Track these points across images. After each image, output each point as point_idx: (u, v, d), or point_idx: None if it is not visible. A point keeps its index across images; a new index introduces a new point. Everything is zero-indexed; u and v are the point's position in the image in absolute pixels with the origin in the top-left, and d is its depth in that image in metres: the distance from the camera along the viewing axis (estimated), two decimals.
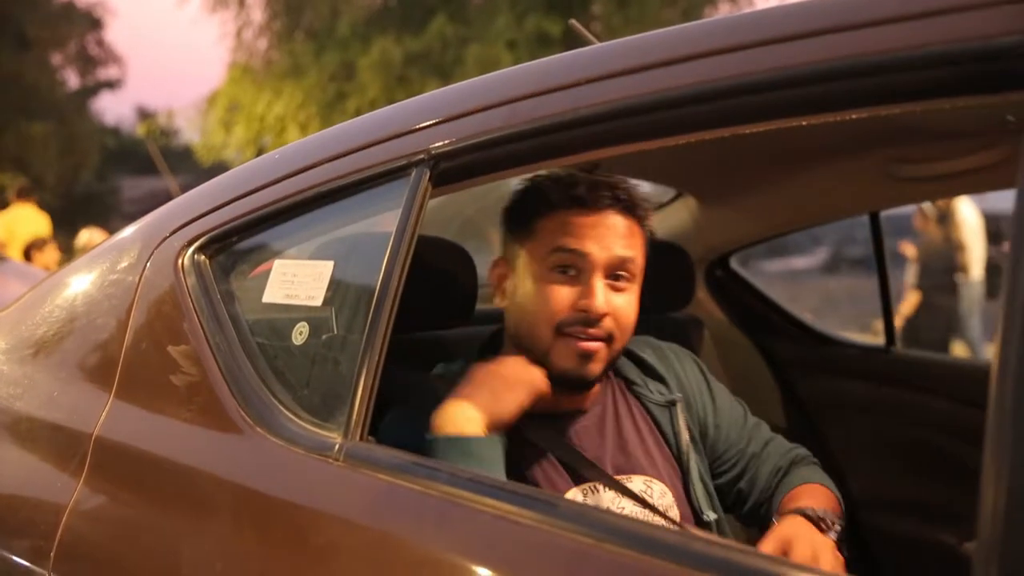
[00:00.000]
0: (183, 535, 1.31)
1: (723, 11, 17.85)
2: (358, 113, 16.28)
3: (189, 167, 20.15)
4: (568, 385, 1.46)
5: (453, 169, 1.30)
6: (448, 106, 1.34)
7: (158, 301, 1.52)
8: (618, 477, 1.47)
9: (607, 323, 1.44)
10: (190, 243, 1.52)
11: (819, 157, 2.04)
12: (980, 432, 2.21)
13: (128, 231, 1.71)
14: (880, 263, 2.37)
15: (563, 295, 1.43)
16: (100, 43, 24.59)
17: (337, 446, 1.21)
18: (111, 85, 25.46)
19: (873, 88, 0.97)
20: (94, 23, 24.13)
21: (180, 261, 1.51)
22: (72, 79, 24.36)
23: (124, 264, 1.61)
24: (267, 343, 1.43)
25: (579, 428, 1.52)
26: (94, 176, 24.61)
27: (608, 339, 1.45)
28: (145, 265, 1.56)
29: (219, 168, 19.43)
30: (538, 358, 1.44)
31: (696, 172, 2.25)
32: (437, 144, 1.29)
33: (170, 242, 1.55)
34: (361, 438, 1.22)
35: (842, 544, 1.40)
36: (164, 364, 1.46)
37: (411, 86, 16.26)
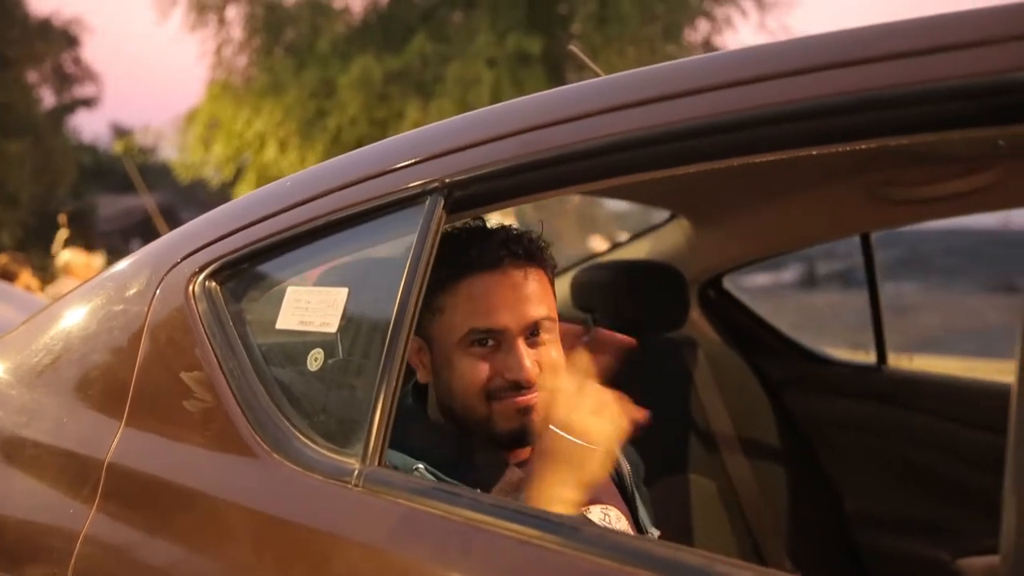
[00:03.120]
0: (199, 562, 1.32)
1: (701, 30, 17.98)
2: (338, 130, 16.34)
3: (167, 184, 20.08)
4: (518, 440, 1.45)
5: (467, 197, 1.32)
6: (463, 134, 1.36)
7: (169, 327, 1.53)
8: (579, 510, 1.50)
9: (538, 379, 1.44)
10: (201, 269, 1.53)
11: (811, 180, 2.08)
12: (972, 449, 2.25)
13: (134, 258, 1.72)
14: (871, 282, 2.41)
15: (487, 368, 1.42)
16: (76, 61, 24.50)
17: (355, 471, 1.23)
18: (87, 103, 25.35)
19: (892, 120, 1.01)
20: (71, 41, 24.04)
21: (191, 288, 1.52)
22: (48, 97, 24.26)
23: (133, 291, 1.62)
24: (281, 369, 1.44)
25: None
26: (69, 194, 24.47)
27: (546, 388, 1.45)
28: (155, 292, 1.57)
29: (198, 186, 19.44)
30: (476, 425, 1.44)
31: (690, 194, 2.29)
32: (452, 173, 1.31)
33: (180, 269, 1.56)
34: (379, 463, 1.23)
35: None
36: (177, 390, 1.47)
37: (391, 104, 16.31)
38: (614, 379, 1.73)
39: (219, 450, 1.39)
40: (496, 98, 16.00)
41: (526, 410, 1.42)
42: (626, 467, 1.64)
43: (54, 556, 1.43)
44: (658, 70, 1.25)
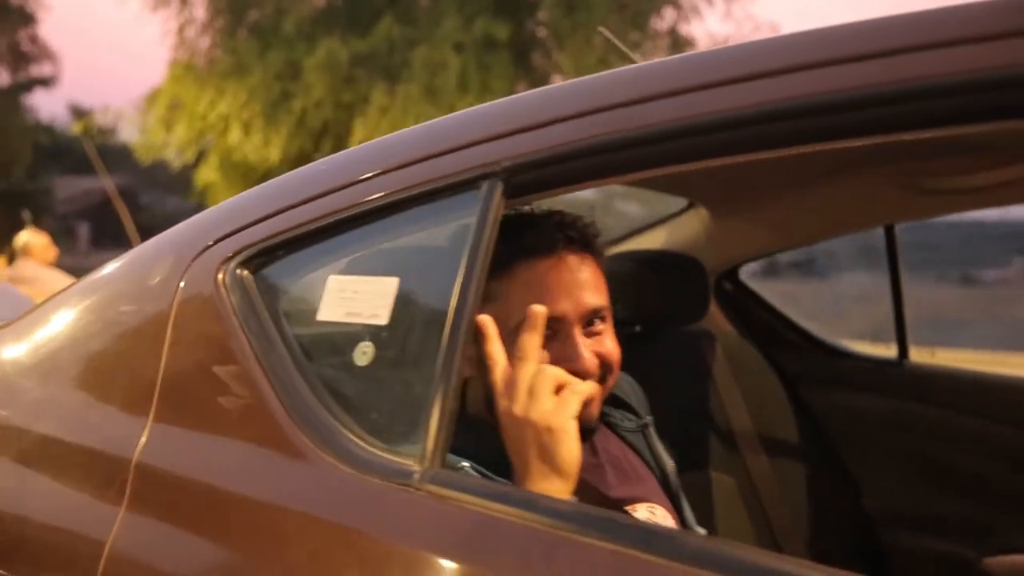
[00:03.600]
0: (245, 571, 1.24)
1: (667, 18, 17.98)
2: (303, 113, 16.17)
3: (127, 166, 19.78)
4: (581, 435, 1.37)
5: (527, 182, 1.25)
6: (524, 114, 1.28)
7: (198, 318, 1.45)
8: (626, 508, 1.44)
9: (597, 370, 1.38)
10: (231, 257, 1.44)
11: (838, 168, 2.03)
12: (998, 445, 2.21)
13: (152, 245, 1.63)
14: (894, 275, 2.36)
15: (545, 359, 1.32)
16: (33, 39, 24.03)
17: (416, 473, 1.15)
18: (45, 82, 24.88)
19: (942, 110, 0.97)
20: (27, 18, 23.57)
21: (221, 276, 1.43)
22: (3, 76, 23.77)
23: (155, 280, 1.53)
24: (324, 363, 1.36)
25: (586, 467, 1.48)
26: (25, 174, 24.01)
27: (602, 381, 1.40)
28: (180, 281, 1.48)
29: (159, 167, 19.15)
30: None
31: (709, 182, 2.23)
32: (511, 156, 1.24)
33: (208, 256, 1.47)
34: (441, 465, 1.16)
35: None
36: (209, 386, 1.39)
37: (358, 87, 16.16)
38: (634, 372, 1.68)
39: (261, 450, 1.31)
40: (463, 84, 15.92)
41: (585, 404, 1.34)
42: (670, 464, 1.59)
43: (80, 565, 1.34)
44: (754, 46, 1.18)
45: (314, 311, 1.38)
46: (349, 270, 1.38)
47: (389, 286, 1.31)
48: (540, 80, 17.88)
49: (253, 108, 15.84)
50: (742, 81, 1.12)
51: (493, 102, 1.40)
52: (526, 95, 1.37)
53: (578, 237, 1.41)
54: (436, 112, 16.25)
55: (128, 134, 18.06)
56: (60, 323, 1.64)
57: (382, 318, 1.29)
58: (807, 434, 2.31)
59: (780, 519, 2.22)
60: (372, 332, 1.30)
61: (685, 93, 1.16)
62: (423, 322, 1.29)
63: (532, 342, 1.23)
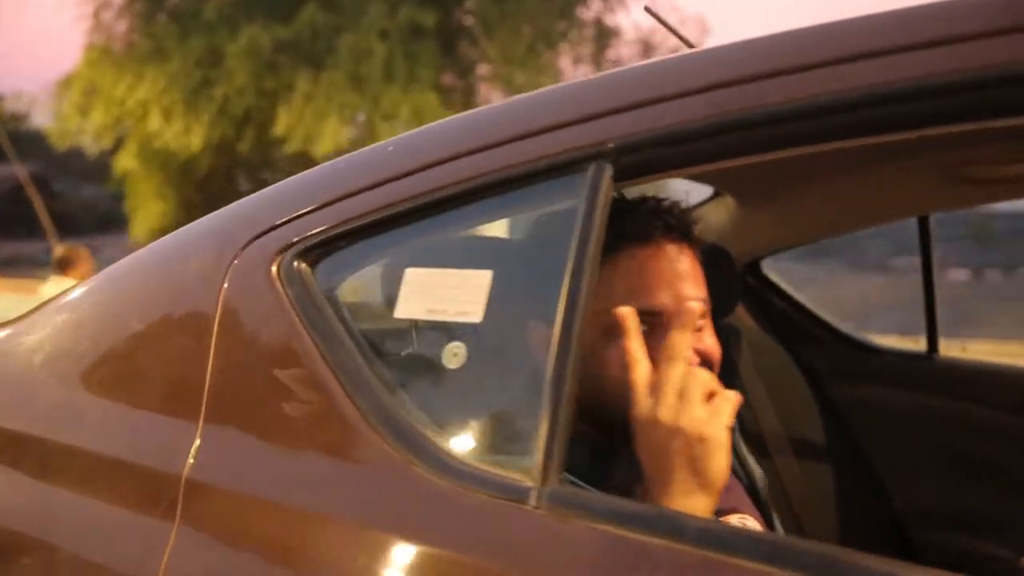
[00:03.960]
0: None
1: (594, 8, 17.98)
2: (225, 100, 15.80)
3: (41, 153, 19.12)
4: None
5: (636, 164, 1.13)
6: (637, 89, 1.16)
7: (251, 316, 1.30)
8: (721, 519, 1.34)
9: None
10: (285, 249, 1.29)
11: (875, 156, 1.94)
12: None
13: (184, 236, 1.46)
14: (927, 267, 2.30)
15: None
16: None
17: (533, 490, 1.03)
18: None
19: None
20: None
21: (275, 269, 1.28)
22: None
23: (192, 275, 1.37)
24: (402, 366, 1.23)
25: None
26: None
27: None
28: (225, 276, 1.32)
29: (74, 154, 18.55)
30: (625, 425, 1.20)
31: (737, 170, 2.13)
32: (623, 134, 1.12)
33: (257, 247, 1.32)
34: (558, 481, 1.04)
35: None
36: (270, 391, 1.24)
37: (281, 74, 15.85)
38: None
39: (337, 462, 1.17)
40: (389, 72, 15.70)
41: None
42: (757, 471, 1.49)
43: None
44: (901, 15, 1.07)
45: (384, 307, 1.25)
46: (426, 262, 1.24)
47: (481, 280, 1.18)
48: (467, 70, 17.76)
49: (173, 94, 15.45)
50: (885, 55, 1.02)
51: (599, 75, 1.27)
52: (642, 66, 1.25)
53: (677, 224, 1.30)
54: (361, 101, 16.02)
55: (42, 120, 17.46)
56: (81, 321, 1.47)
57: (475, 315, 1.16)
58: (834, 431, 2.24)
59: (810, 519, 2.15)
60: (462, 331, 1.17)
61: (818, 68, 1.06)
62: (525, 321, 1.17)
63: (683, 340, 1.11)
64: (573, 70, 18.24)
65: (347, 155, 1.40)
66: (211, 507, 1.22)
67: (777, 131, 1.08)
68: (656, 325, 1.24)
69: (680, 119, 1.10)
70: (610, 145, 1.12)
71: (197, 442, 1.25)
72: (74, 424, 1.37)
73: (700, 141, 1.10)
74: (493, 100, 18.67)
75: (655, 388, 1.10)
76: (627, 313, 1.15)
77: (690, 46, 1.60)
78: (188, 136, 15.49)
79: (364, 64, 15.66)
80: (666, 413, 1.09)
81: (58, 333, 1.49)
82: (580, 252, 1.09)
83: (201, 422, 1.26)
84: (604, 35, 18.06)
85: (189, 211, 17.01)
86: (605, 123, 1.14)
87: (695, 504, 1.08)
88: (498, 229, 1.25)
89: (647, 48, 18.29)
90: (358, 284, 1.31)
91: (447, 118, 1.36)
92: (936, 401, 2.24)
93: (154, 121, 15.26)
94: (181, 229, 1.48)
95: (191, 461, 1.24)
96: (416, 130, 1.37)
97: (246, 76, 15.65)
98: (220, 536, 1.20)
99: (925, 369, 2.30)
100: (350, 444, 1.16)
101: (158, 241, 1.51)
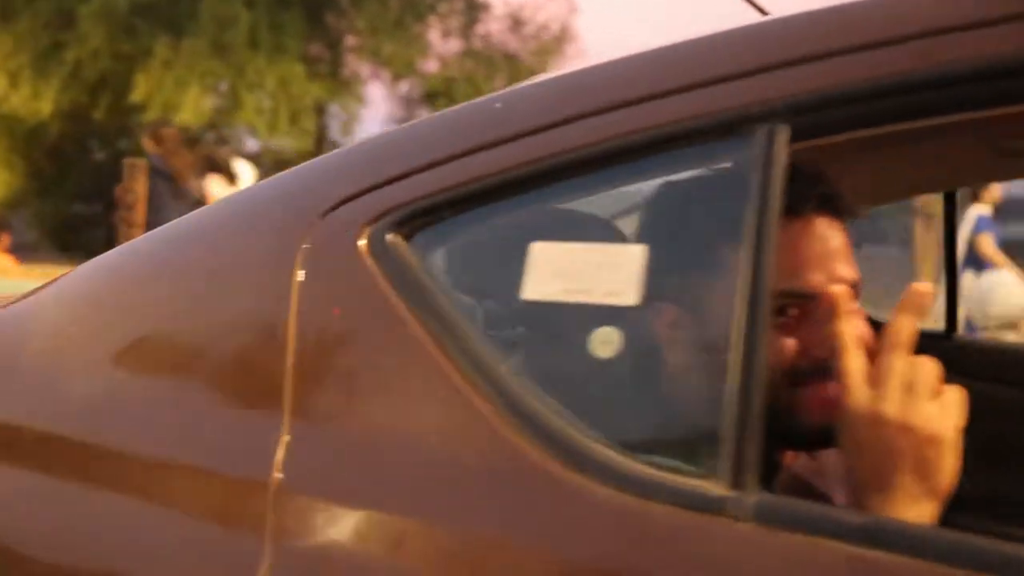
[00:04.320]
0: None
1: None
2: (78, 64, 14.99)
3: None
4: (824, 439, 1.09)
5: (814, 125, 1.00)
6: (819, 37, 1.02)
7: (338, 298, 1.11)
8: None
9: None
10: (376, 219, 1.12)
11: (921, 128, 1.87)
12: None
13: (240, 203, 1.27)
14: (950, 245, 2.24)
15: (793, 343, 1.11)
16: None
17: (729, 500, 0.89)
18: None
19: None
20: None
21: (364, 244, 1.11)
22: None
23: (258, 247, 1.18)
24: (538, 355, 1.07)
25: (809, 473, 1.26)
26: None
27: None
28: (298, 248, 1.14)
29: None
30: (774, 418, 1.13)
31: None
32: (800, 90, 0.99)
33: (337, 218, 1.14)
34: (759, 489, 0.91)
35: None
36: (375, 384, 1.07)
37: (139, 39, 15.15)
38: None
39: (466, 464, 1.01)
40: (253, 40, 15.18)
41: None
42: None
43: None
44: None
45: (503, 289, 1.09)
46: (551, 235, 1.09)
47: (631, 255, 1.03)
48: (335, 41, 17.32)
49: (21, 58, 14.57)
50: None
51: (763, 20, 1.13)
52: (804, 14, 1.11)
53: (831, 196, 1.17)
54: (224, 69, 15.43)
55: None
56: (112, 300, 1.25)
57: (627, 296, 1.01)
58: None
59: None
60: (612, 314, 1.02)
61: None
62: (694, 304, 1.03)
63: (908, 325, 0.99)
64: (443, 43, 18.04)
65: (451, 109, 1.23)
66: (313, 523, 1.04)
67: (963, 90, 0.97)
68: (808, 309, 1.12)
69: (874, 74, 0.97)
70: (786, 103, 0.99)
71: (283, 442, 1.06)
72: (122, 422, 1.16)
73: (900, 97, 0.98)
74: (360, 72, 18.29)
75: (875, 380, 0.98)
76: (839, 291, 1.03)
77: (763, 13, 1.47)
78: (37, 101, 14.64)
79: (228, 31, 15.13)
80: (892, 409, 0.96)
81: (88, 313, 1.27)
82: (759, 226, 0.95)
83: (286, 419, 1.07)
84: (473, 8, 17.91)
85: (40, 181, 16.11)
86: (780, 76, 1.00)
87: (920, 513, 0.97)
88: (651, 198, 1.10)
89: (516, 23, 18.24)
90: (469, 261, 1.15)
91: (587, 67, 1.19)
92: (956, 381, 2.19)
93: None
94: (234, 195, 1.29)
95: (279, 465, 1.05)
96: (535, 82, 1.20)
97: (100, 39, 14.92)
98: (333, 559, 1.02)
99: (945, 348, 2.26)
100: (482, 444, 1.00)
101: (201, 210, 1.31)
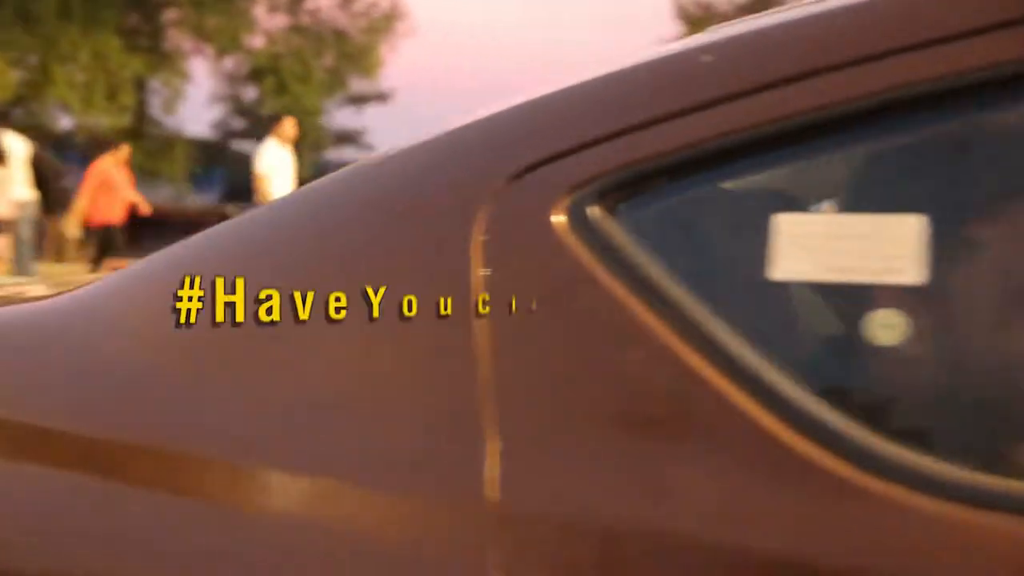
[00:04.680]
0: None
1: None
2: None
3: None
4: None
5: None
6: None
7: (539, 284, 0.93)
8: None
9: None
10: (574, 189, 0.94)
11: None
12: None
13: (401, 168, 1.05)
14: None
15: None
16: None
17: None
18: None
19: None
20: None
21: (562, 219, 0.94)
22: None
23: (421, 226, 0.98)
24: (799, 341, 0.93)
25: None
26: None
27: None
28: (475, 224, 0.95)
29: None
30: None
31: None
32: None
33: (523, 188, 0.96)
34: None
35: None
36: (605, 388, 0.90)
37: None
38: None
39: (733, 474, 0.86)
40: (65, 11, 14.25)
41: None
42: None
43: None
44: None
45: (739, 264, 0.94)
46: (796, 205, 0.95)
47: (907, 227, 0.90)
48: (154, 13, 16.46)
49: None
50: None
51: None
52: None
53: None
54: (32, 42, 14.41)
55: None
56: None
57: (911, 274, 0.88)
58: None
59: None
60: (890, 296, 0.89)
61: None
62: (996, 278, 0.90)
63: None
64: (269, 18, 17.43)
65: (651, 61, 1.05)
66: (552, 548, 0.87)
67: None
68: None
69: None
70: None
71: (495, 458, 0.89)
72: (267, 437, 0.95)
73: None
74: (183, 46, 17.44)
75: None
76: None
77: None
78: None
79: (36, 1, 14.13)
80: None
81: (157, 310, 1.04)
82: None
83: (490, 438, 0.89)
84: None
85: None
86: None
87: None
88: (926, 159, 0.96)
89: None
90: (687, 239, 0.98)
91: (787, 9, 1.03)
92: None
93: None
94: (369, 164, 1.08)
95: (499, 484, 0.87)
96: (756, 27, 1.03)
97: None
98: None
99: None
100: (761, 454, 0.85)
101: (318, 183, 1.09)
